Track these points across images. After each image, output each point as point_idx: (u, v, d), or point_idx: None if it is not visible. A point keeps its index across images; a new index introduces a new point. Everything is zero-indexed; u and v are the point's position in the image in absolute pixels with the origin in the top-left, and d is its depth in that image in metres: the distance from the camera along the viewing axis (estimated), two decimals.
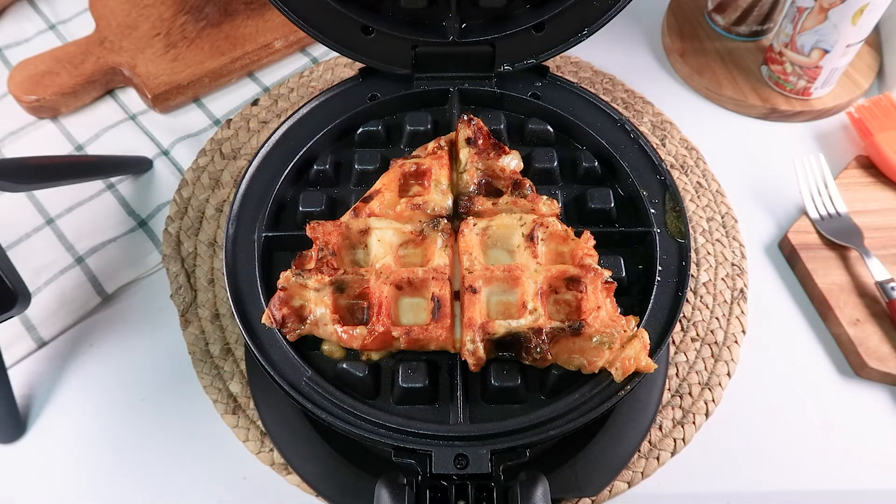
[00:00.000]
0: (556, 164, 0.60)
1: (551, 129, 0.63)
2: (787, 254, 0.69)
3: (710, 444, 0.59)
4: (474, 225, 0.54)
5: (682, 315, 0.60)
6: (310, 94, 0.80)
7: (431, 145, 0.59)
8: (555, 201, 0.56)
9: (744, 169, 0.75)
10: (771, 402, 0.61)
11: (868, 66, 0.81)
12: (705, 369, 0.62)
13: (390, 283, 0.51)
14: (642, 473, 0.57)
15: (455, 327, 0.51)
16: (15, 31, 0.87)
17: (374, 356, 0.52)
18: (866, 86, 0.80)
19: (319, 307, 0.51)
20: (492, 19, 0.63)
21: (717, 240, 0.70)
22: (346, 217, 0.56)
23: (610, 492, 0.56)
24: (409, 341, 0.50)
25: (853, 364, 0.62)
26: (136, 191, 0.73)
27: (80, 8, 0.88)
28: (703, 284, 0.67)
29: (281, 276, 0.52)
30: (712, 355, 0.63)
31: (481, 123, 0.60)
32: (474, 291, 0.50)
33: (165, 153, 0.76)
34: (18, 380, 0.62)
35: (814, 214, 0.69)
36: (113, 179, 0.73)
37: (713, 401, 0.60)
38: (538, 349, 0.48)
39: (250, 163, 0.60)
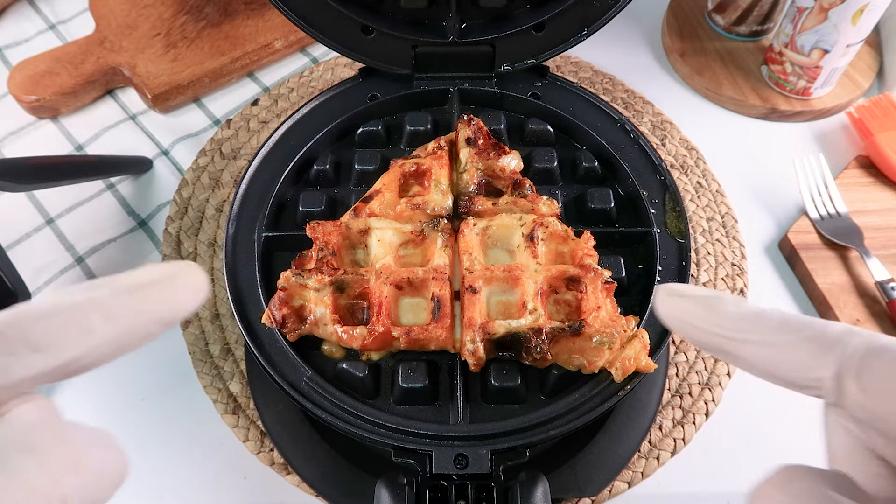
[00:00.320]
0: (556, 164, 0.60)
1: (551, 129, 0.63)
2: (787, 254, 0.69)
3: (710, 444, 0.59)
4: (474, 225, 0.54)
5: None
6: (310, 94, 0.80)
7: (431, 145, 0.59)
8: (555, 201, 0.56)
9: (744, 169, 0.75)
10: (771, 402, 0.61)
11: (868, 66, 0.81)
12: (705, 369, 0.62)
13: (390, 283, 0.51)
14: (642, 473, 0.57)
15: (455, 327, 0.51)
16: (15, 31, 0.87)
17: (374, 356, 0.52)
18: (866, 86, 0.80)
19: (319, 307, 0.51)
20: (492, 19, 0.63)
21: (717, 240, 0.70)
22: (346, 217, 0.56)
23: (610, 492, 0.56)
24: (409, 341, 0.50)
25: None
26: (136, 191, 0.73)
27: (80, 8, 0.88)
28: (703, 284, 0.67)
29: (281, 276, 0.52)
30: (712, 355, 0.63)
31: (481, 123, 0.60)
32: (474, 291, 0.50)
33: (165, 153, 0.76)
34: None
35: (814, 214, 0.69)
36: (113, 179, 0.73)
37: (713, 401, 0.60)
38: (538, 349, 0.48)
39: (250, 163, 0.60)
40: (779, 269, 0.69)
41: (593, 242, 0.53)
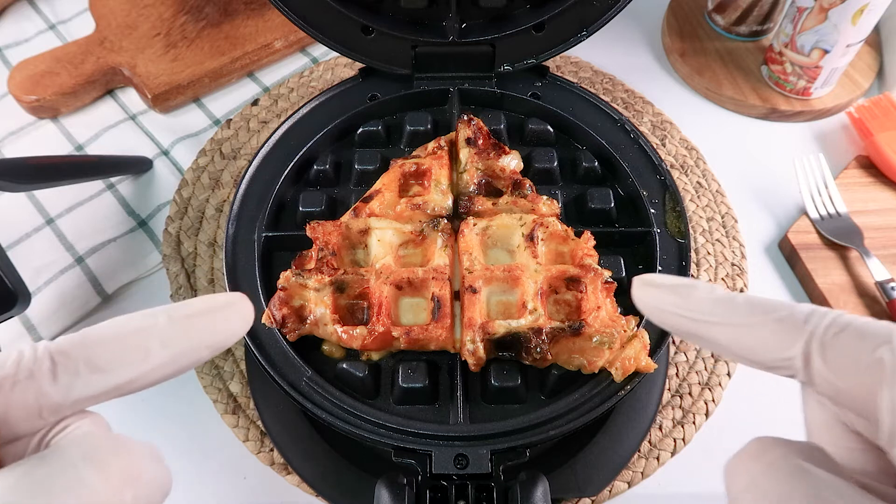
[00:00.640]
0: (556, 164, 0.60)
1: (551, 129, 0.63)
2: (787, 254, 0.69)
3: (710, 444, 0.59)
4: (474, 225, 0.54)
5: None
6: (310, 94, 0.80)
7: (431, 145, 0.59)
8: (555, 201, 0.56)
9: (744, 169, 0.75)
10: (771, 402, 0.61)
11: (868, 66, 0.81)
12: (705, 369, 0.62)
13: (390, 283, 0.51)
14: (642, 473, 0.57)
15: (455, 327, 0.51)
16: (15, 31, 0.87)
17: (374, 356, 0.52)
18: (866, 86, 0.80)
19: (319, 307, 0.51)
20: (492, 19, 0.63)
21: (717, 240, 0.70)
22: (346, 217, 0.56)
23: (610, 492, 0.56)
24: (409, 341, 0.50)
25: None
26: (136, 191, 0.73)
27: (80, 8, 0.88)
28: (707, 282, 0.67)
29: (281, 276, 0.52)
30: (712, 355, 0.63)
31: (481, 123, 0.60)
32: (474, 291, 0.50)
33: (165, 153, 0.76)
34: None
35: (814, 214, 0.69)
36: (113, 179, 0.73)
37: (713, 401, 0.60)
38: (538, 349, 0.48)
39: (250, 163, 0.60)
40: (779, 269, 0.69)
41: (593, 242, 0.53)
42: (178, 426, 0.60)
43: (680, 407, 0.60)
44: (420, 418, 0.50)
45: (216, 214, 0.71)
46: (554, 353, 0.49)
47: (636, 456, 0.57)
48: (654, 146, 0.70)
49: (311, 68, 0.83)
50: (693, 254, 0.67)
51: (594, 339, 0.48)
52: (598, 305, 0.50)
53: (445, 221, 0.55)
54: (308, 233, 0.54)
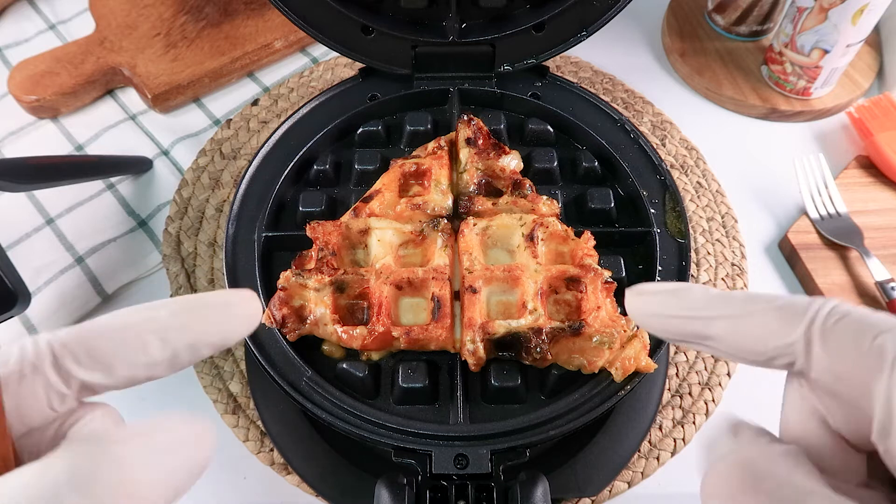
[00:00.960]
0: (556, 164, 0.60)
1: (551, 129, 0.63)
2: (787, 254, 0.69)
3: None
4: (474, 225, 0.54)
5: None
6: (310, 94, 0.80)
7: (431, 145, 0.59)
8: (555, 201, 0.56)
9: (744, 169, 0.75)
10: (771, 402, 0.61)
11: (868, 66, 0.81)
12: (705, 369, 0.62)
13: (390, 283, 0.51)
14: (642, 473, 0.57)
15: (455, 327, 0.51)
16: (15, 31, 0.87)
17: (374, 356, 0.52)
18: (866, 86, 0.80)
19: (319, 307, 0.51)
20: (492, 19, 0.63)
21: (717, 240, 0.70)
22: (346, 217, 0.56)
23: (610, 492, 0.56)
24: (409, 341, 0.50)
25: None
26: (136, 191, 0.73)
27: (80, 8, 0.88)
28: (704, 284, 0.67)
29: (281, 276, 0.52)
30: (712, 355, 0.63)
31: (481, 123, 0.60)
32: (474, 291, 0.50)
33: (165, 153, 0.76)
34: None
35: (814, 214, 0.69)
36: (113, 179, 0.73)
37: (713, 401, 0.60)
38: (538, 349, 0.48)
39: (250, 163, 0.60)
40: (779, 269, 0.69)
41: (593, 242, 0.53)
42: None
43: (680, 407, 0.60)
44: (420, 418, 0.50)
45: (216, 214, 0.71)
46: (554, 353, 0.49)
47: (636, 456, 0.57)
48: (654, 146, 0.70)
49: (311, 68, 0.83)
50: (693, 254, 0.67)
51: (594, 339, 0.48)
52: (598, 305, 0.50)
53: (445, 221, 0.55)
54: (308, 233, 0.54)
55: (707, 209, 0.72)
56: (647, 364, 0.48)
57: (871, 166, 0.74)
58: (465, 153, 0.58)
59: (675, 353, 0.63)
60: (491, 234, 0.54)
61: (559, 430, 0.48)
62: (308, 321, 0.51)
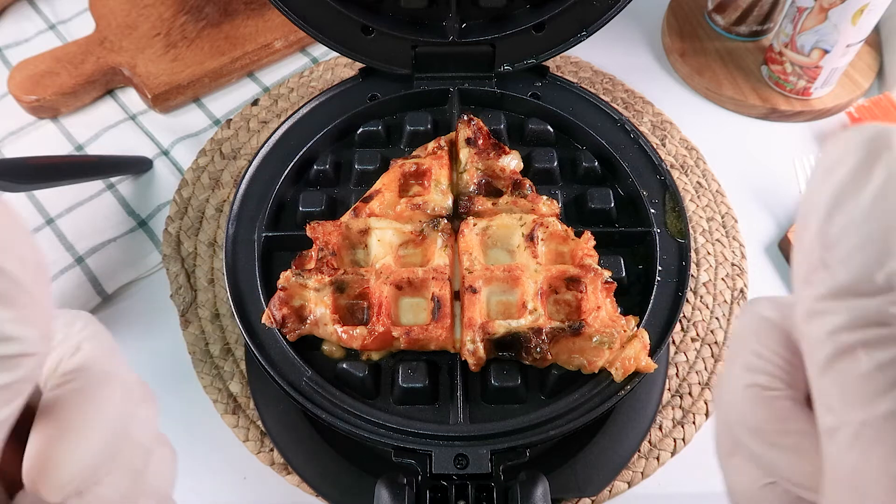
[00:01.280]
0: (556, 164, 0.60)
1: (551, 129, 0.63)
2: (787, 254, 0.69)
3: (710, 444, 0.58)
4: (474, 225, 0.54)
5: (682, 315, 0.60)
6: (310, 94, 0.80)
7: (431, 145, 0.59)
8: (555, 201, 0.56)
9: (744, 169, 0.75)
10: None
11: (868, 66, 0.81)
12: (705, 369, 0.62)
13: (390, 283, 0.51)
14: (642, 473, 0.57)
15: (455, 327, 0.51)
16: (15, 31, 0.87)
17: (374, 356, 0.52)
18: (866, 86, 0.80)
19: (319, 307, 0.51)
20: (492, 19, 0.63)
21: (717, 240, 0.70)
22: (346, 217, 0.56)
23: (610, 492, 0.56)
24: (409, 341, 0.50)
25: None
26: (136, 191, 0.73)
27: (80, 8, 0.88)
28: (703, 284, 0.67)
29: (281, 276, 0.52)
30: (712, 355, 0.63)
31: (481, 123, 0.60)
32: (474, 291, 0.50)
33: (165, 153, 0.76)
34: None
35: None
36: (113, 179, 0.73)
37: (713, 401, 0.60)
38: (538, 349, 0.48)
39: (250, 163, 0.60)
40: (779, 269, 0.69)
41: (593, 242, 0.53)
42: (178, 426, 0.60)
43: (680, 407, 0.60)
44: (420, 418, 0.50)
45: (216, 214, 0.71)
46: (554, 353, 0.49)
47: (636, 456, 0.57)
48: (654, 146, 0.70)
49: (311, 68, 0.83)
50: (693, 254, 0.67)
51: (594, 339, 0.48)
52: (598, 305, 0.50)
53: (445, 221, 0.55)
54: (308, 233, 0.54)
55: (707, 209, 0.72)
56: (647, 364, 0.48)
57: None
58: (465, 153, 0.58)
59: (675, 353, 0.63)
60: (491, 234, 0.54)
61: (559, 430, 0.48)
62: (308, 321, 0.51)
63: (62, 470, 0.24)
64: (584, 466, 0.54)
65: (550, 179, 0.61)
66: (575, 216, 0.59)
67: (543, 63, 0.65)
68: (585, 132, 0.62)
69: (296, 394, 0.50)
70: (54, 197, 0.71)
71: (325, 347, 0.52)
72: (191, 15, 0.84)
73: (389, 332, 0.49)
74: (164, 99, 0.78)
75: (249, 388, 0.59)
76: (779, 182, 0.74)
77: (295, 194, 0.60)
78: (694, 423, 0.59)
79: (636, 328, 0.50)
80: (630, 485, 0.57)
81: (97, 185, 0.73)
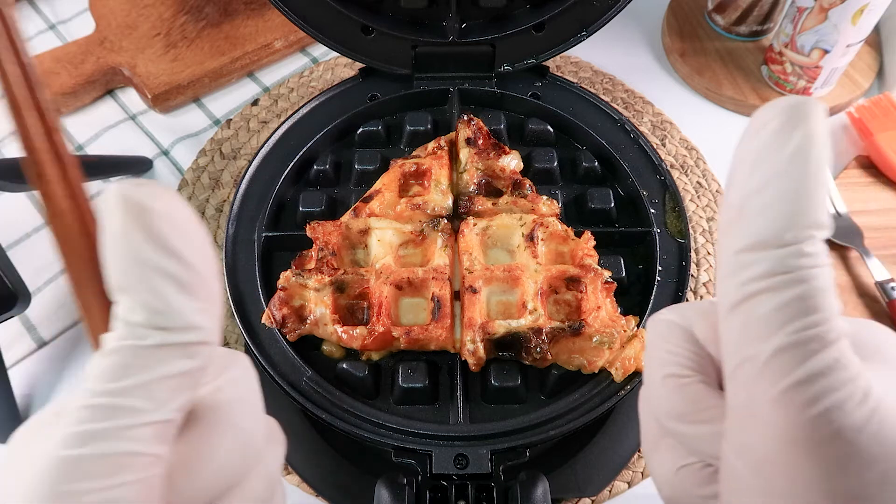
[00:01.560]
0: (556, 164, 0.60)
1: (551, 129, 0.63)
2: None
3: None
4: (474, 225, 0.54)
5: None
6: (310, 94, 0.80)
7: (431, 145, 0.59)
8: (555, 201, 0.56)
9: None
10: None
11: (868, 66, 0.81)
12: None
13: (390, 283, 0.51)
14: (642, 473, 0.57)
15: (455, 327, 0.51)
16: None
17: (375, 356, 0.52)
18: (866, 86, 0.80)
19: (319, 307, 0.51)
20: (492, 19, 0.63)
21: (717, 240, 0.69)
22: (346, 217, 0.56)
23: (610, 492, 0.56)
24: (409, 341, 0.50)
25: None
26: None
27: (80, 8, 0.88)
28: (703, 284, 0.67)
29: (281, 276, 0.52)
30: None
31: (481, 123, 0.60)
32: (474, 291, 0.50)
33: (165, 153, 0.76)
34: (18, 380, 0.62)
35: None
36: (113, 179, 0.73)
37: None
38: (538, 349, 0.48)
39: (250, 163, 0.60)
40: None
41: (593, 242, 0.53)
42: None
43: None
44: (420, 418, 0.50)
45: (216, 214, 0.71)
46: (554, 353, 0.49)
47: (636, 456, 0.57)
48: (654, 146, 0.70)
49: (311, 68, 0.83)
50: (693, 254, 0.67)
51: (594, 339, 0.48)
52: (598, 305, 0.50)
53: (445, 221, 0.55)
54: (308, 233, 0.54)
55: (707, 209, 0.72)
56: None
57: (871, 166, 0.74)
58: (465, 153, 0.58)
59: None
60: (491, 234, 0.54)
61: (559, 430, 0.48)
62: (308, 321, 0.51)
63: (195, 474, 0.25)
64: (584, 466, 0.54)
65: (550, 179, 0.61)
66: (575, 216, 0.59)
67: (543, 63, 0.65)
68: (585, 132, 0.62)
69: (296, 394, 0.50)
70: None
71: (325, 347, 0.52)
72: (191, 15, 0.84)
73: (389, 332, 0.49)
74: (164, 99, 0.78)
75: None
76: None
77: (295, 194, 0.60)
78: None
79: (636, 328, 0.50)
80: (630, 485, 0.57)
81: (97, 185, 0.73)
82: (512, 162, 0.58)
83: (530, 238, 0.53)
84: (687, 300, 0.64)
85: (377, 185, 0.57)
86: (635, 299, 0.55)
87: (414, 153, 0.60)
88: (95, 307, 0.27)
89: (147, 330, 0.23)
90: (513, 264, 0.52)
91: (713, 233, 0.70)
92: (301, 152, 0.61)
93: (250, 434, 0.27)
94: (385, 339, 0.50)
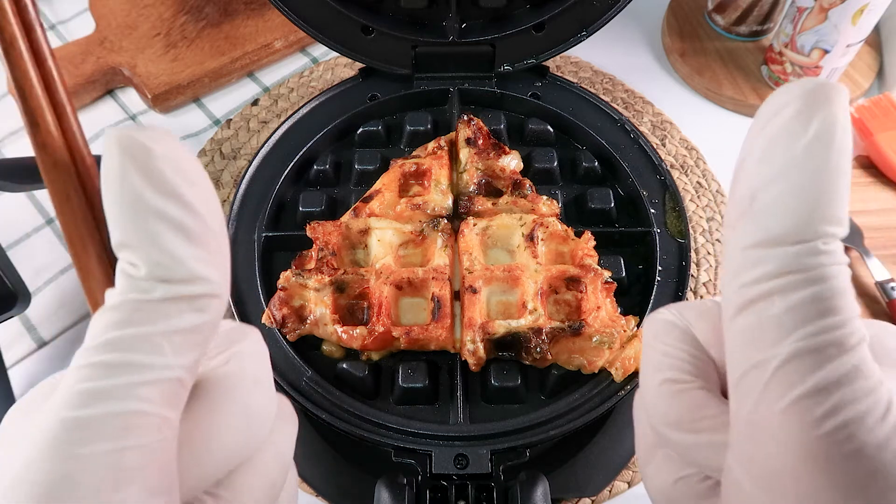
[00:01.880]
0: (556, 164, 0.60)
1: (551, 129, 0.63)
2: None
3: None
4: (474, 225, 0.54)
5: None
6: (310, 94, 0.80)
7: (431, 145, 0.59)
8: (555, 201, 0.56)
9: None
10: None
11: (868, 66, 0.81)
12: None
13: (390, 283, 0.51)
14: None
15: (455, 327, 0.51)
16: None
17: (375, 356, 0.52)
18: (866, 86, 0.80)
19: (319, 307, 0.51)
20: (492, 19, 0.63)
21: (717, 240, 0.70)
22: (346, 217, 0.56)
23: (610, 492, 0.56)
24: (409, 341, 0.50)
25: None
26: None
27: (80, 8, 0.88)
28: (703, 284, 0.67)
29: (281, 276, 0.52)
30: None
31: (481, 123, 0.60)
32: (474, 291, 0.50)
33: None
34: (18, 380, 0.62)
35: None
36: None
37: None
38: (538, 349, 0.48)
39: (250, 163, 0.60)
40: None
41: (593, 242, 0.53)
42: None
43: None
44: (420, 418, 0.50)
45: None
46: (554, 353, 0.49)
47: (636, 456, 0.57)
48: (654, 146, 0.70)
49: (311, 68, 0.83)
50: (693, 254, 0.67)
51: (594, 339, 0.48)
52: (598, 305, 0.50)
53: (445, 221, 0.55)
54: (308, 233, 0.54)
55: (707, 209, 0.72)
56: None
57: (871, 166, 0.74)
58: (465, 153, 0.58)
59: None
60: (491, 234, 0.54)
61: (559, 430, 0.48)
62: (308, 321, 0.51)
63: (201, 451, 0.23)
64: (584, 466, 0.54)
65: (550, 179, 0.61)
66: (575, 216, 0.59)
67: (543, 63, 0.65)
68: (585, 132, 0.62)
69: (296, 394, 0.50)
70: None
71: (325, 347, 0.52)
72: (191, 15, 0.84)
73: (389, 332, 0.49)
74: (164, 99, 0.78)
75: None
76: None
77: (295, 194, 0.60)
78: None
79: (636, 328, 0.50)
80: (630, 485, 0.57)
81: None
82: (512, 162, 0.58)
83: (530, 238, 0.53)
84: (687, 300, 0.64)
85: (377, 185, 0.57)
86: (635, 299, 0.55)
87: (414, 153, 0.60)
88: (94, 270, 0.25)
89: (151, 283, 0.21)
90: (513, 264, 0.52)
91: (713, 233, 0.70)
92: (301, 152, 0.61)
93: (259, 411, 0.25)
94: (385, 339, 0.50)
